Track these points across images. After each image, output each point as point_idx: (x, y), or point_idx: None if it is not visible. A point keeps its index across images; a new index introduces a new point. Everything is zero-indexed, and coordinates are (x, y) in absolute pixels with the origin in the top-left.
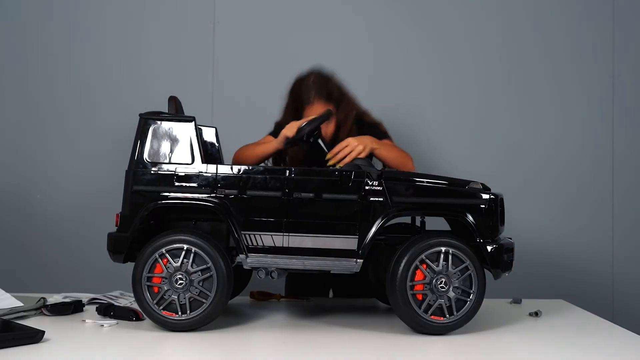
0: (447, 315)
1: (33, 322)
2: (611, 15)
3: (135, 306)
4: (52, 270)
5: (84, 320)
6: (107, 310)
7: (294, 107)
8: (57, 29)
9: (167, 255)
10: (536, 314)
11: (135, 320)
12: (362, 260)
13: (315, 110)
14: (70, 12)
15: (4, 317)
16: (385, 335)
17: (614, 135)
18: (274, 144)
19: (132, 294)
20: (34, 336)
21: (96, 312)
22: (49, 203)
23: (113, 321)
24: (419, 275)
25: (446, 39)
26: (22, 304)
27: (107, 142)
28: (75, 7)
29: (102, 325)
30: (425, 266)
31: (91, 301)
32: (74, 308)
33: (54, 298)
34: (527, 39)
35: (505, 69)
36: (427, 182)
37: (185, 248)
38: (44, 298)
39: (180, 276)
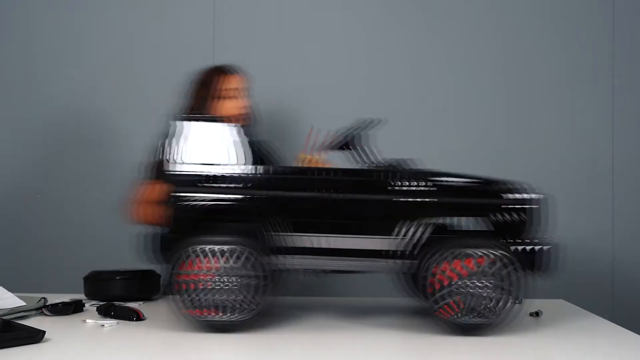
0: (487, 316)
1: (33, 322)
2: (611, 15)
3: (141, 307)
4: (52, 270)
5: (84, 320)
6: (108, 310)
7: (209, 79)
8: (56, 28)
9: (210, 253)
10: (537, 314)
11: (136, 320)
12: (402, 261)
13: (235, 79)
14: (69, 12)
15: (5, 317)
16: (384, 334)
17: (614, 135)
18: None
19: None
20: (34, 336)
21: (96, 312)
22: (49, 203)
23: (113, 321)
24: (456, 276)
25: (445, 39)
26: (24, 303)
27: (107, 141)
28: (74, 8)
29: (103, 325)
30: (464, 265)
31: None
32: (74, 308)
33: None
34: (526, 39)
35: (505, 69)
36: (470, 182)
37: (230, 249)
38: (44, 298)
39: (219, 277)
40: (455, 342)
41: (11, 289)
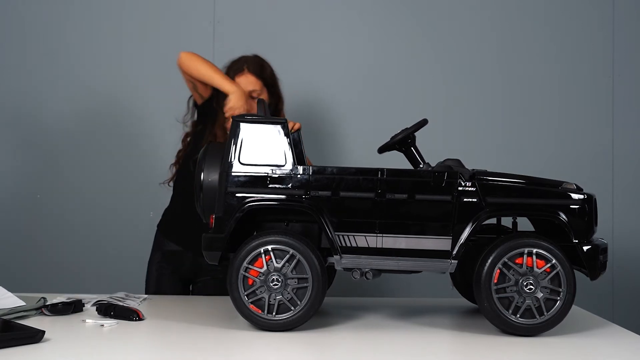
0: (538, 316)
1: (33, 322)
2: (611, 15)
3: (141, 307)
4: (52, 270)
5: (84, 320)
6: (107, 310)
7: (226, 74)
8: (55, 28)
9: (271, 253)
10: None
11: (136, 320)
12: (456, 261)
13: (244, 80)
14: (69, 12)
15: (4, 317)
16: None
17: (614, 135)
18: (226, 84)
19: (137, 295)
20: (34, 336)
21: (96, 312)
22: (49, 203)
23: (113, 321)
24: (503, 277)
25: (445, 40)
26: (24, 303)
27: (107, 141)
28: (74, 7)
29: (102, 325)
30: (511, 267)
31: (97, 303)
32: (74, 308)
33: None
34: (526, 38)
35: (505, 69)
36: (521, 183)
37: (290, 252)
38: (44, 298)
39: (276, 277)
40: (454, 341)
41: (11, 289)
